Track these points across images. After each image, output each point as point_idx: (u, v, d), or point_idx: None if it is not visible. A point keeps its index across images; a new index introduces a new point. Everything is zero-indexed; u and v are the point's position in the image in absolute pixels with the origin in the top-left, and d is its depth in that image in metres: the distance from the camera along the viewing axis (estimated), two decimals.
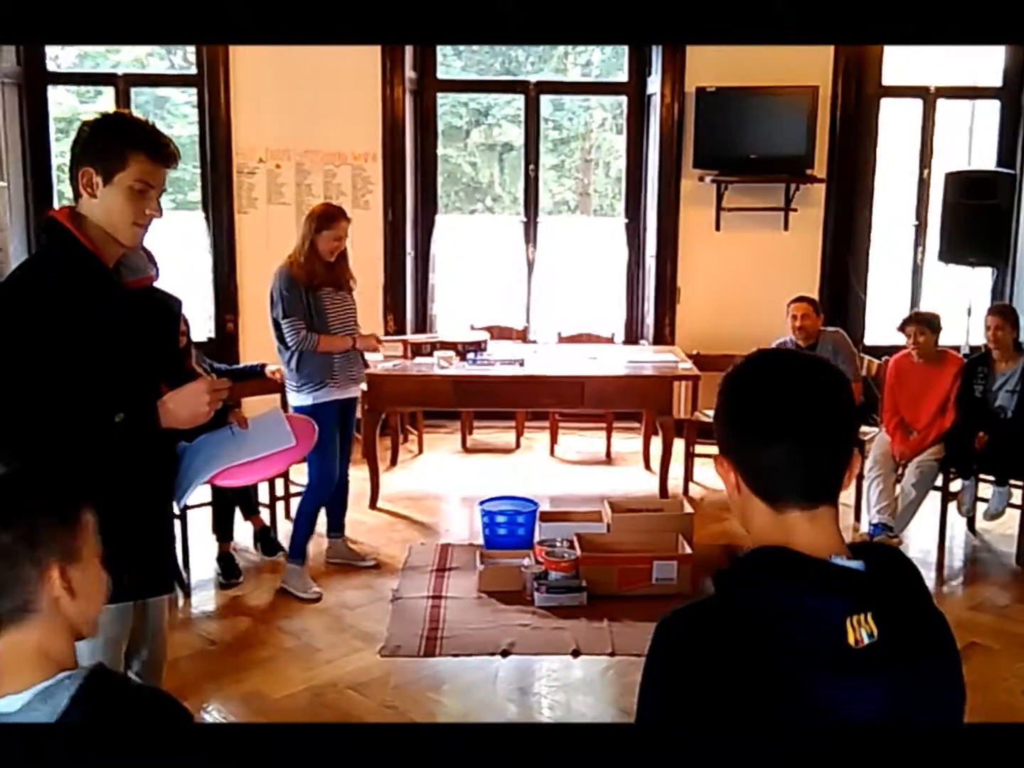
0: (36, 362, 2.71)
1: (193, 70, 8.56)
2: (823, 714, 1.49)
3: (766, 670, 1.50)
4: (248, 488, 6.03)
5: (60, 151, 8.73)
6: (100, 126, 2.87)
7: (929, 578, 6.12)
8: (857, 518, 6.86)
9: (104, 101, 9.48)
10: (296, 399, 5.74)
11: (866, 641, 1.50)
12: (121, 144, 2.82)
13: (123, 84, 8.59)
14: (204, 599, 5.71)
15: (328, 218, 5.69)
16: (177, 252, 7.61)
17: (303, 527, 5.82)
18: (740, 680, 1.51)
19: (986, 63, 8.94)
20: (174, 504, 3.22)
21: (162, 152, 2.87)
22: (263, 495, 6.32)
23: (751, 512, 1.66)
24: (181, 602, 5.56)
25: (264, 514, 6.32)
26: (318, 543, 6.11)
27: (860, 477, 6.76)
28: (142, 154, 2.83)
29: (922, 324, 6.48)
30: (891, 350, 7.10)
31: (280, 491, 6.50)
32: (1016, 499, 6.36)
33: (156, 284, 3.07)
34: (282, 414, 3.59)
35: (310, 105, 8.30)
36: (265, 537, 6.22)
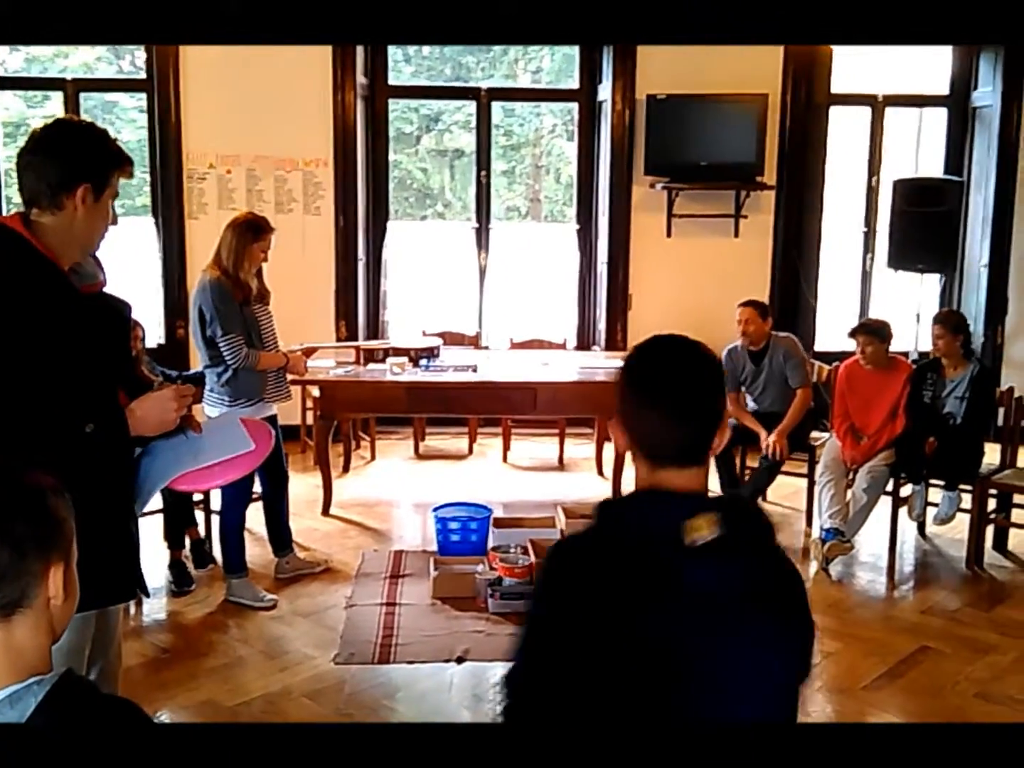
0: (4, 372, 2.68)
1: (142, 75, 8.52)
2: (676, 590, 1.82)
3: (629, 562, 1.85)
4: (187, 499, 5.98)
5: (7, 156, 8.64)
6: (90, 143, 2.85)
7: (880, 582, 6.17)
8: (808, 523, 6.90)
9: (52, 106, 9.38)
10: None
11: (707, 538, 1.83)
12: (110, 163, 2.85)
13: (71, 89, 8.53)
14: (156, 607, 5.65)
15: (259, 229, 5.51)
16: (126, 258, 7.54)
17: (232, 543, 5.72)
18: (611, 575, 1.86)
19: (933, 71, 9.04)
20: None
21: (131, 168, 2.92)
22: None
23: (637, 466, 2.01)
24: (133, 610, 5.50)
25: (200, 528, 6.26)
26: (268, 559, 6.08)
27: (811, 483, 6.81)
28: (118, 170, 2.87)
29: (871, 334, 6.46)
30: (841, 356, 7.15)
31: (216, 504, 6.29)
32: (966, 504, 6.42)
33: (104, 289, 3.05)
34: (237, 418, 3.56)
35: (261, 110, 8.27)
36: (199, 549, 6.15)
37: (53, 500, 1.75)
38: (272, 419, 5.66)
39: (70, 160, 2.78)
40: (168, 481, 3.14)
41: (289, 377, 5.98)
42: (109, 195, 2.85)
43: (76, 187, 2.77)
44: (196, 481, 3.23)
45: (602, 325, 8.91)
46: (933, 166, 9.08)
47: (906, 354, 7.61)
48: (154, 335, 8.42)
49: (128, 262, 8.20)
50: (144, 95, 8.55)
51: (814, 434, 7.07)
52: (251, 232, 5.50)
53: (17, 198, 2.89)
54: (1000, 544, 6.56)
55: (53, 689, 1.65)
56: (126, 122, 11.73)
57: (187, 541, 6.10)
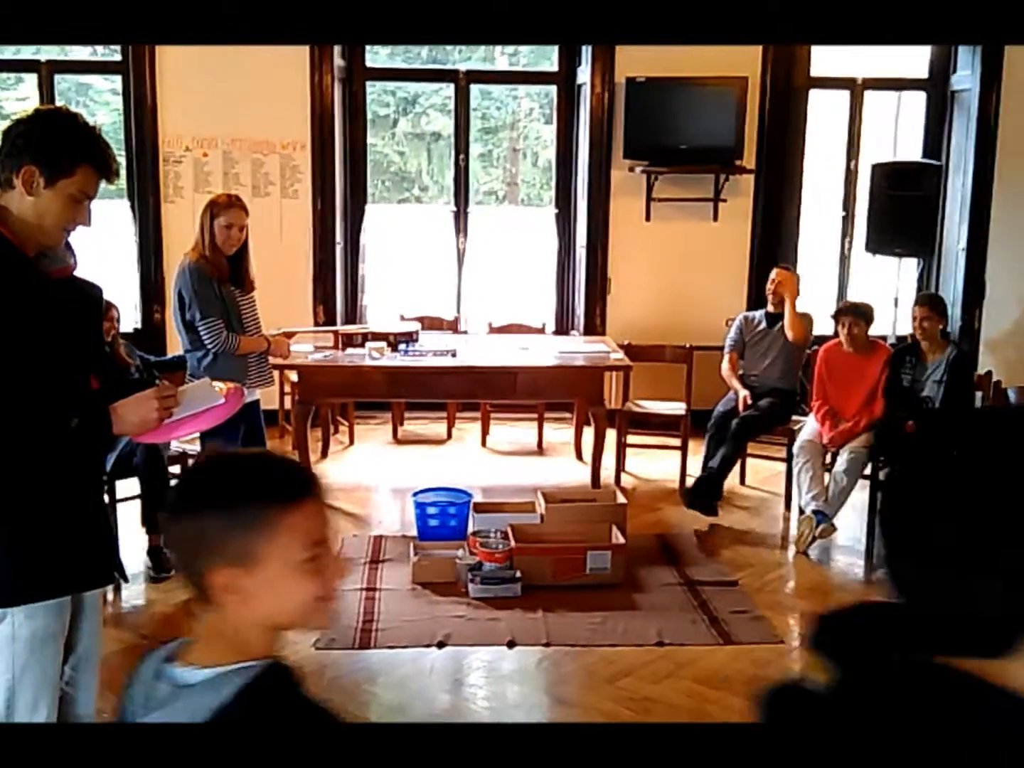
0: None
1: (117, 57, 8.42)
2: None
3: None
4: (163, 483, 5.96)
5: None
6: (52, 126, 2.80)
7: (859, 566, 6.20)
8: (787, 507, 6.92)
9: (25, 88, 9.30)
10: None
11: None
12: (72, 152, 2.78)
13: (45, 70, 8.44)
14: (135, 593, 5.62)
15: (221, 205, 5.47)
16: (102, 241, 7.48)
17: None
18: None
19: (912, 55, 9.04)
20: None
21: (110, 168, 2.86)
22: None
23: None
24: (111, 597, 5.47)
25: None
26: None
27: (791, 467, 6.81)
28: (90, 167, 2.81)
29: (857, 315, 6.54)
30: (819, 340, 7.17)
31: None
32: None
33: (75, 273, 3.02)
34: (209, 381, 3.54)
35: (238, 93, 8.20)
36: None
37: (209, 503, 1.71)
38: (254, 404, 5.64)
39: (20, 137, 2.75)
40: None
41: (272, 361, 5.95)
42: (72, 186, 2.78)
43: (21, 166, 2.73)
44: (162, 433, 3.18)
45: (581, 309, 8.89)
46: (912, 150, 9.08)
47: (884, 338, 7.63)
48: (131, 320, 8.37)
49: (103, 246, 8.14)
50: (119, 77, 8.46)
51: (794, 418, 7.08)
52: (213, 208, 5.48)
53: None
54: None
55: (253, 682, 1.64)
56: (100, 104, 11.67)
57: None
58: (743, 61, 8.32)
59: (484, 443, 8.46)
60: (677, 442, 7.41)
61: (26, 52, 8.54)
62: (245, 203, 5.61)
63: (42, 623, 2.84)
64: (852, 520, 6.57)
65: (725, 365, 7.29)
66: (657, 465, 7.66)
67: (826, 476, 6.46)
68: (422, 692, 4.66)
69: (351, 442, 8.38)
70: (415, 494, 6.30)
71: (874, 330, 6.85)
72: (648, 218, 8.66)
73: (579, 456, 8.01)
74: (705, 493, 6.73)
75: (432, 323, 8.32)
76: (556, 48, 9.01)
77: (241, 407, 5.02)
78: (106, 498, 3.37)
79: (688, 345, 7.63)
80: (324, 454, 7.99)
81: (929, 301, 6.53)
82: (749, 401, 6.94)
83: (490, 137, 17.82)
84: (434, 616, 5.33)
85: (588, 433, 7.49)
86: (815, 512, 6.27)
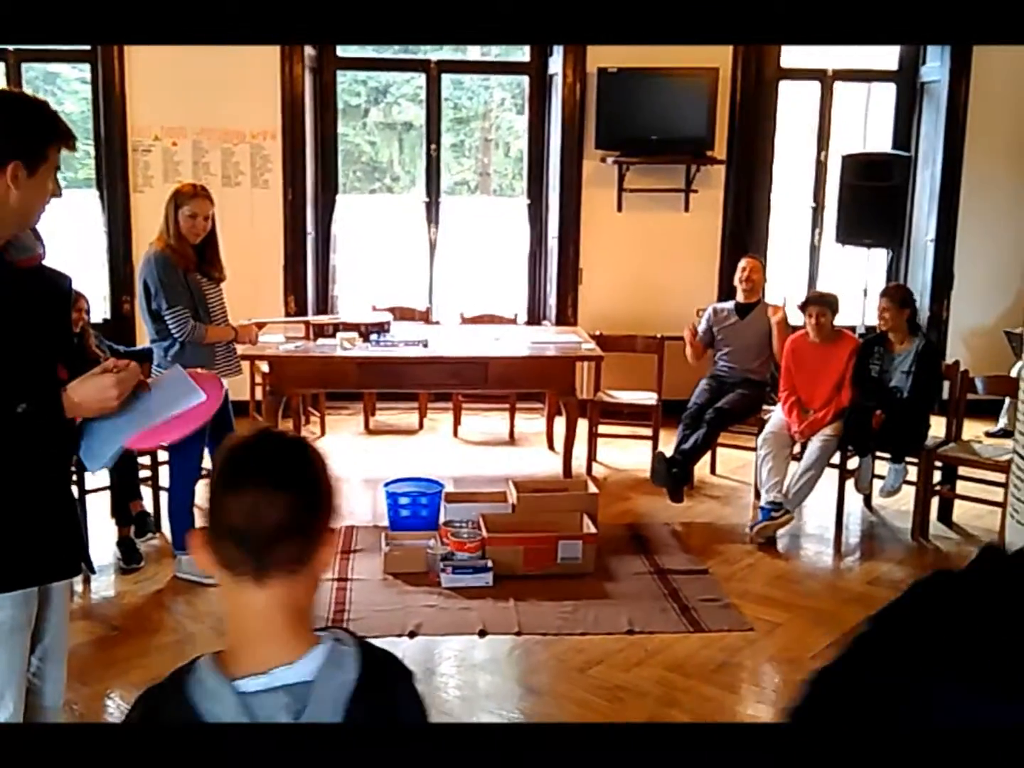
0: None
1: (86, 46, 8.36)
2: None
3: None
4: (133, 474, 5.94)
5: None
6: (22, 117, 2.78)
7: (827, 554, 6.24)
8: (757, 496, 6.94)
9: None
10: None
11: None
12: (44, 138, 2.77)
13: (13, 59, 8.38)
14: (104, 584, 5.60)
15: (186, 195, 5.45)
16: (70, 232, 7.45)
17: (181, 520, 5.63)
18: None
19: (882, 47, 9.07)
20: (89, 469, 3.15)
21: (72, 141, 2.86)
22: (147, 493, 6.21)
23: None
24: (81, 588, 5.45)
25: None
26: None
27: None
28: (59, 145, 2.81)
29: (824, 305, 6.57)
30: (790, 330, 7.20)
31: (165, 481, 6.13)
32: (911, 476, 6.48)
33: (44, 262, 3.00)
34: (182, 371, 3.46)
35: (207, 82, 8.16)
36: (141, 520, 6.09)
37: (320, 467, 1.81)
38: (225, 393, 5.63)
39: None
40: (125, 441, 3.06)
41: (239, 350, 5.93)
42: (47, 169, 2.77)
43: (6, 164, 2.71)
44: (152, 438, 3.16)
45: (553, 300, 8.90)
46: (881, 141, 9.13)
47: (853, 328, 7.68)
48: (100, 310, 8.32)
49: (72, 236, 8.09)
50: (87, 66, 8.41)
51: (765, 407, 7.11)
52: (178, 198, 5.46)
53: None
54: (945, 515, 6.64)
55: (367, 647, 1.71)
56: (68, 93, 11.58)
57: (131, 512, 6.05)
58: (714, 53, 8.35)
59: (456, 433, 8.46)
60: (648, 432, 7.44)
61: None
62: (211, 193, 5.60)
63: (9, 614, 2.82)
64: (820, 509, 6.62)
65: (689, 350, 7.36)
66: (628, 455, 7.68)
67: (792, 466, 6.49)
68: None
69: (322, 433, 8.36)
70: (387, 484, 6.30)
71: (843, 320, 6.89)
72: (620, 208, 8.68)
73: (551, 446, 8.02)
74: (674, 473, 6.78)
75: (404, 313, 8.31)
76: None
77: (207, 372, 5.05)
78: (75, 489, 3.34)
79: (659, 335, 7.65)
80: None
81: (891, 293, 6.57)
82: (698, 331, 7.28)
83: (462, 127, 17.79)
84: (406, 606, 5.33)
85: (560, 423, 7.50)
86: (761, 508, 6.35)
